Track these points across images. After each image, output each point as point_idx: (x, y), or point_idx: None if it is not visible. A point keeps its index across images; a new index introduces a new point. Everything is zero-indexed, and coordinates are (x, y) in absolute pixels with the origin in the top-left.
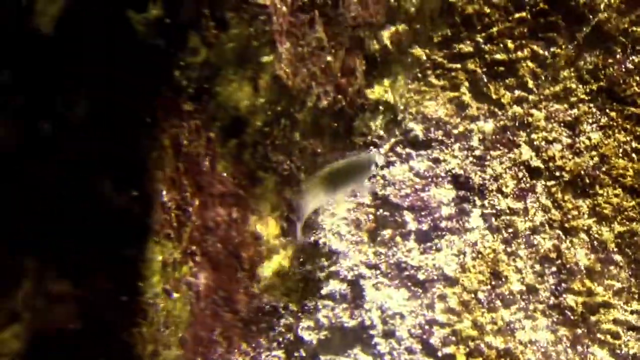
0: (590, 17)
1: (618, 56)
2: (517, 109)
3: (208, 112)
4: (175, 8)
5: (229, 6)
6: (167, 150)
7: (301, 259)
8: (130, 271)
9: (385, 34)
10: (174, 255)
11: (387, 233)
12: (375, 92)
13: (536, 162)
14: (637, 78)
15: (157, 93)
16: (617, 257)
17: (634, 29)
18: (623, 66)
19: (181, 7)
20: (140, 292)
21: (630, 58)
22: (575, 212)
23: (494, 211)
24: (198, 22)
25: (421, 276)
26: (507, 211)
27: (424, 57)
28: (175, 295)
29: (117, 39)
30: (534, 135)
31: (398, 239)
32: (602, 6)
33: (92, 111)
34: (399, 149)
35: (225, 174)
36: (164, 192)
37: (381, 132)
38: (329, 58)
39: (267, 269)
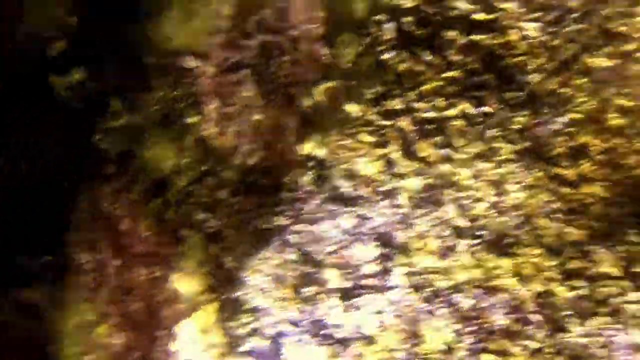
0: (520, 77)
1: (545, 117)
2: (443, 168)
3: (130, 174)
4: (98, 72)
5: (153, 70)
6: (84, 213)
7: (226, 316)
8: (42, 336)
9: (319, 90)
10: (89, 317)
11: (311, 290)
12: (306, 148)
13: (461, 221)
14: (563, 139)
15: (77, 157)
16: (535, 317)
17: (562, 90)
18: (549, 127)
19: (104, 71)
20: (52, 356)
21: (557, 119)
22: (496, 272)
23: (416, 269)
24: (121, 86)
25: (341, 334)
26: (430, 270)
27: (357, 114)
28: (88, 358)
29: (38, 103)
30: (459, 194)
31: (321, 296)
32: (531, 68)
33: (8, 175)
34: (327, 205)
35: (147, 233)
36: (81, 255)
37: (310, 188)
38: (258, 116)
39: (188, 327)
